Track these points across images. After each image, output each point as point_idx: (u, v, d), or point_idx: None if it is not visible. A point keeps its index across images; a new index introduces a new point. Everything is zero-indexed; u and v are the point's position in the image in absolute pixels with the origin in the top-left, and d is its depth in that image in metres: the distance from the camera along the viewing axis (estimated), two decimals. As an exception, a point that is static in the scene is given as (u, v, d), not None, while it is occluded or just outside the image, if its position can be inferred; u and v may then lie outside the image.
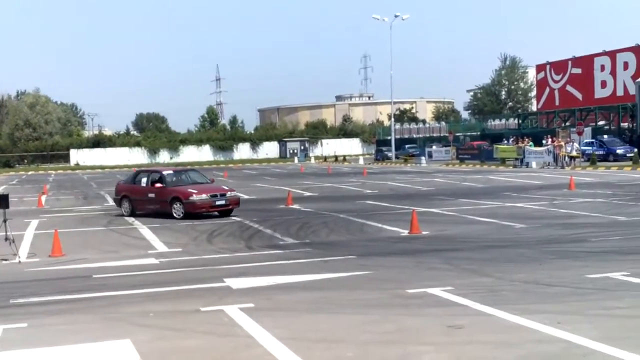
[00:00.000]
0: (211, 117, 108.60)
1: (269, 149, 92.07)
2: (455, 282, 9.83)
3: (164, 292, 10.01)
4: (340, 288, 9.91)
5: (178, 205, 20.04)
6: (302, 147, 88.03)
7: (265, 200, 26.41)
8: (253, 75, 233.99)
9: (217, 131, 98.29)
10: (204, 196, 20.02)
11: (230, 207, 20.47)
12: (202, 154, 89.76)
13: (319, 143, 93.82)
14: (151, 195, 20.96)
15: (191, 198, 19.89)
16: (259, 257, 13.09)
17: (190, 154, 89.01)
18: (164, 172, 21.61)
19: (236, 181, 41.64)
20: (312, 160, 77.78)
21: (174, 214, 20.00)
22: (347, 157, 76.58)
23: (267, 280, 10.51)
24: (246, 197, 28.38)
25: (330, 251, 13.38)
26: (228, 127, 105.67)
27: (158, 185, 20.70)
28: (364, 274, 10.89)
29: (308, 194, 29.06)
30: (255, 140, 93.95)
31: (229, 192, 20.97)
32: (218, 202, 20.22)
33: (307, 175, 46.62)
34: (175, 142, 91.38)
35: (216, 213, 20.20)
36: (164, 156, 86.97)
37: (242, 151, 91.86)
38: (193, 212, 19.78)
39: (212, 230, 17.15)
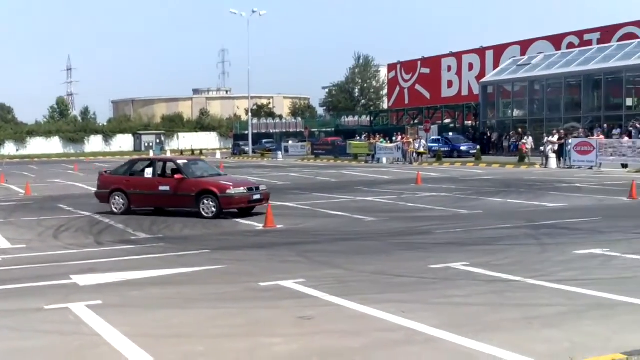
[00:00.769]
0: (61, 108, 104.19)
1: (123, 142, 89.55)
2: (307, 274, 10.02)
3: (5, 291, 9.50)
4: (193, 283, 9.84)
5: (209, 200, 17.10)
6: (158, 141, 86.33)
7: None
8: (106, 66, 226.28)
9: (67, 123, 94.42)
10: (241, 189, 17.32)
11: (264, 202, 17.65)
12: (51, 146, 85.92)
13: (176, 137, 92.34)
14: (164, 188, 17.80)
15: (228, 192, 17.05)
16: (109, 252, 12.72)
17: (38, 146, 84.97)
18: (180, 161, 18.67)
19: (87, 175, 40.14)
20: (168, 154, 76.33)
21: (203, 211, 17.05)
22: (203, 151, 75.83)
23: (117, 276, 10.25)
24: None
25: (184, 246, 13.24)
26: (79, 118, 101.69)
27: (178, 176, 17.67)
28: (218, 268, 10.87)
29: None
30: (108, 133, 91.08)
31: (261, 186, 18.52)
32: (255, 197, 17.62)
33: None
34: (22, 133, 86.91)
35: (250, 209, 17.73)
36: (9, 148, 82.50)
37: (94, 144, 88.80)
38: (228, 209, 17.24)
39: (60, 226, 16.47)
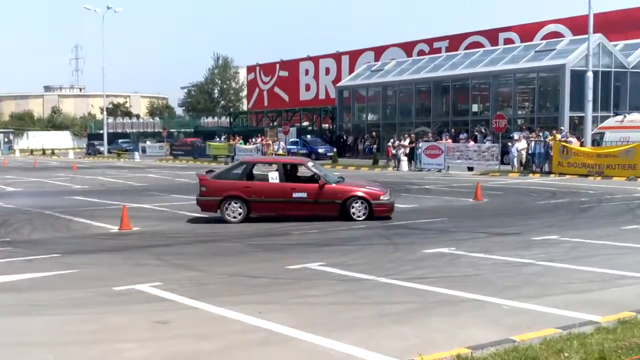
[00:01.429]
0: None
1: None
2: (164, 277, 9.89)
3: None
4: (43, 288, 9.45)
5: (359, 205, 16.06)
6: (6, 139, 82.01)
7: (-41, 196, 24.12)
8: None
9: None
10: (388, 196, 16.43)
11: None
12: None
13: (25, 135, 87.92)
14: (300, 195, 16.19)
15: (382, 198, 16.19)
16: (-51, 258, 11.96)
17: None
18: (310, 164, 17.09)
19: None
20: (17, 154, 72.63)
21: (355, 216, 15.94)
22: (56, 151, 72.64)
23: (-42, 284, 9.67)
24: (-64, 192, 25.72)
25: (34, 250, 12.66)
26: None
27: (321, 182, 16.17)
28: (69, 272, 10.49)
29: (11, 189, 27.15)
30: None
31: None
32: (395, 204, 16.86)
33: (11, 169, 43.53)
34: None
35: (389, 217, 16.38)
36: None
37: None
38: (379, 217, 16.05)
39: None
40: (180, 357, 6.51)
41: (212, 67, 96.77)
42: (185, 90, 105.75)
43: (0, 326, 7.66)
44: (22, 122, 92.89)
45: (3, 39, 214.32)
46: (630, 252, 11.63)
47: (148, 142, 63.69)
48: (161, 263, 11.29)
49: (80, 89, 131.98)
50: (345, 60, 63.31)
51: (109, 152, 64.25)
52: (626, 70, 38.64)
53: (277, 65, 71.76)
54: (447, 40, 54.82)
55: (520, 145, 31.78)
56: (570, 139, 30.42)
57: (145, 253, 12.24)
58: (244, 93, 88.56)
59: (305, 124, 59.68)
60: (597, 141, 30.63)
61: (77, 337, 7.16)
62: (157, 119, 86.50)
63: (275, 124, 58.04)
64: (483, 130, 38.74)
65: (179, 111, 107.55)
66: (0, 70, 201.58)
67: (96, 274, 10.44)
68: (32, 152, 74.19)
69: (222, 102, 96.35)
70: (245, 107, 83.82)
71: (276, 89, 71.62)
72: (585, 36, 31.71)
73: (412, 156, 36.11)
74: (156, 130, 73.82)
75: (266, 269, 10.59)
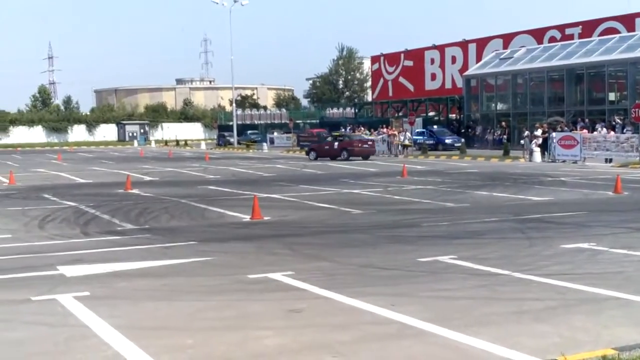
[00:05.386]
0: (43, 97, 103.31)
1: (107, 131, 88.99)
2: (295, 267, 9.99)
3: (-9, 282, 9.41)
4: (181, 275, 9.79)
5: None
6: (142, 131, 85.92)
7: (103, 184, 25.52)
8: (89, 55, 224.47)
9: (50, 112, 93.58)
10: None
11: None
12: (34, 135, 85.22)
13: (160, 127, 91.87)
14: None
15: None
16: (95, 243, 12.63)
17: (21, 134, 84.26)
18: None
19: (71, 164, 39.95)
20: (153, 144, 76.08)
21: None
22: (188, 142, 75.49)
23: (104, 268, 10.18)
24: (82, 181, 27.33)
25: (171, 237, 13.16)
26: (62, 107, 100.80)
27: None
28: (205, 260, 10.82)
29: (148, 178, 28.42)
30: (91, 122, 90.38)
31: None
32: None
33: (148, 159, 45.60)
34: (4, 122, 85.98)
35: None
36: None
37: (78, 133, 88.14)
38: None
39: (45, 216, 16.33)
40: (315, 346, 6.53)
41: (336, 58, 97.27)
42: (310, 81, 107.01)
43: (142, 310, 7.97)
44: (157, 114, 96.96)
45: (139, 35, 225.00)
46: None
47: (275, 133, 64.92)
48: (292, 252, 11.42)
49: (210, 82, 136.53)
50: (472, 48, 61.93)
51: (239, 143, 66.01)
52: None
53: (402, 55, 71.20)
54: (580, 26, 52.46)
55: (663, 135, 29.96)
56: None
57: (277, 242, 12.43)
58: (369, 83, 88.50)
59: (432, 114, 58.92)
60: None
61: (215, 323, 7.34)
62: (283, 110, 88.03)
63: (400, 114, 57.62)
64: (619, 120, 36.82)
65: (305, 102, 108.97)
66: (136, 65, 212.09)
67: (230, 262, 10.71)
68: (166, 142, 77.35)
69: (347, 92, 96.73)
70: (369, 98, 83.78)
71: (401, 79, 71.11)
72: None
73: (544, 147, 34.84)
74: (283, 121, 75.11)
75: (396, 260, 10.49)
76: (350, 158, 38.58)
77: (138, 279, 9.56)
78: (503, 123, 46.46)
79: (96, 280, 9.37)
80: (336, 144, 39.95)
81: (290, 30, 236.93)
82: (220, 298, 8.44)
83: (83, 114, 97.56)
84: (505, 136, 44.34)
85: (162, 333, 7.04)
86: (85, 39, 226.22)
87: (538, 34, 55.45)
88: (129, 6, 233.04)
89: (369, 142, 40.95)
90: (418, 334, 6.82)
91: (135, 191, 22.01)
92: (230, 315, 7.63)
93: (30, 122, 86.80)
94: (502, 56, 51.13)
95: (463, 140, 44.84)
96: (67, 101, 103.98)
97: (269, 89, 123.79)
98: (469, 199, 18.85)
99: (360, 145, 39.77)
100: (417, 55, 69.03)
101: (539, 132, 35.58)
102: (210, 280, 9.42)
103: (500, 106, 50.87)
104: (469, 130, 49.77)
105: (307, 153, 41.79)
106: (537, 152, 34.77)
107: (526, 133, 36.92)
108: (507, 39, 58.14)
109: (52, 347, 6.63)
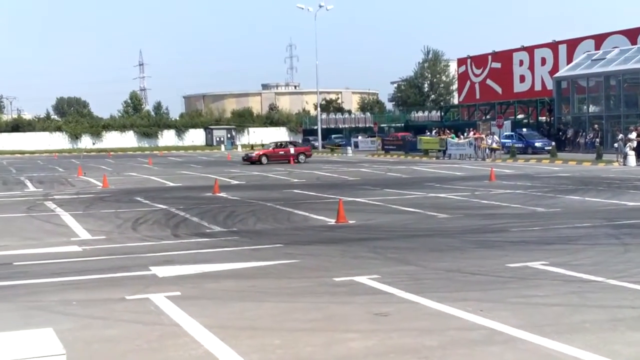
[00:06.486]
0: (134, 103, 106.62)
1: (195, 136, 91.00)
2: (381, 271, 9.97)
3: (87, 280, 9.79)
4: (268, 276, 9.93)
5: None
6: (229, 135, 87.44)
7: (192, 188, 26.14)
8: (178, 62, 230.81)
9: (141, 117, 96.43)
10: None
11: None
12: (125, 139, 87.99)
13: (246, 131, 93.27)
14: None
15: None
16: (185, 245, 12.96)
17: (114, 139, 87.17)
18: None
19: (161, 168, 41.09)
20: (239, 149, 77.29)
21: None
22: (274, 146, 76.25)
23: (194, 269, 10.43)
24: (172, 184, 28.07)
25: (258, 239, 13.36)
26: (152, 113, 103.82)
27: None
28: (291, 262, 10.93)
29: (235, 182, 28.93)
30: (180, 127, 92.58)
31: None
32: None
33: (235, 163, 46.41)
34: (98, 127, 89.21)
35: None
36: (86, 141, 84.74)
37: (167, 138, 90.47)
38: None
39: (137, 218, 16.86)
40: (402, 350, 6.49)
41: (422, 61, 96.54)
42: (395, 85, 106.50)
43: (230, 310, 8.12)
44: (243, 119, 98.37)
45: (226, 42, 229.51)
46: None
47: (360, 137, 64.96)
48: (377, 256, 11.39)
49: (295, 86, 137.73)
50: (562, 49, 60.31)
51: (323, 147, 66.39)
52: None
53: (489, 57, 70.01)
54: (677, 25, 50.28)
55: None
56: None
57: (362, 246, 12.42)
58: (455, 86, 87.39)
59: (520, 116, 57.66)
60: None
61: (302, 325, 7.40)
62: (367, 114, 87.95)
63: (488, 117, 56.65)
64: None
65: (389, 106, 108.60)
66: (223, 71, 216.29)
67: (316, 265, 10.78)
68: (252, 147, 78.49)
69: (433, 96, 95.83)
70: (456, 101, 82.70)
71: (488, 81, 69.92)
72: None
73: (639, 150, 33.51)
74: (367, 125, 75.08)
75: (485, 266, 10.31)
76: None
77: (227, 280, 9.74)
78: (595, 126, 45.02)
79: (187, 281, 9.61)
80: None
81: (375, 34, 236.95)
82: (307, 300, 8.50)
83: (172, 119, 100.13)
84: (597, 139, 42.94)
85: (250, 333, 7.16)
86: (174, 46, 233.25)
87: (632, 34, 53.49)
88: (216, 14, 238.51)
89: None
90: (508, 341, 6.68)
91: (222, 194, 22.45)
92: (316, 318, 7.67)
93: (122, 128, 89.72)
94: (594, 57, 49.54)
95: (553, 143, 43.66)
96: (158, 107, 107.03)
97: (353, 93, 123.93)
98: (560, 204, 18.33)
99: None
100: (505, 57, 67.74)
101: (633, 135, 34.29)
102: (296, 282, 9.50)
103: (592, 108, 49.30)
104: (560, 133, 48.41)
105: None
106: (631, 155, 33.52)
107: (620, 136, 35.65)
108: (599, 39, 56.36)
109: (146, 344, 6.85)
